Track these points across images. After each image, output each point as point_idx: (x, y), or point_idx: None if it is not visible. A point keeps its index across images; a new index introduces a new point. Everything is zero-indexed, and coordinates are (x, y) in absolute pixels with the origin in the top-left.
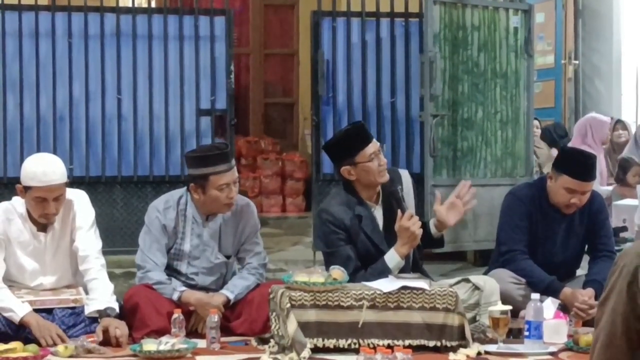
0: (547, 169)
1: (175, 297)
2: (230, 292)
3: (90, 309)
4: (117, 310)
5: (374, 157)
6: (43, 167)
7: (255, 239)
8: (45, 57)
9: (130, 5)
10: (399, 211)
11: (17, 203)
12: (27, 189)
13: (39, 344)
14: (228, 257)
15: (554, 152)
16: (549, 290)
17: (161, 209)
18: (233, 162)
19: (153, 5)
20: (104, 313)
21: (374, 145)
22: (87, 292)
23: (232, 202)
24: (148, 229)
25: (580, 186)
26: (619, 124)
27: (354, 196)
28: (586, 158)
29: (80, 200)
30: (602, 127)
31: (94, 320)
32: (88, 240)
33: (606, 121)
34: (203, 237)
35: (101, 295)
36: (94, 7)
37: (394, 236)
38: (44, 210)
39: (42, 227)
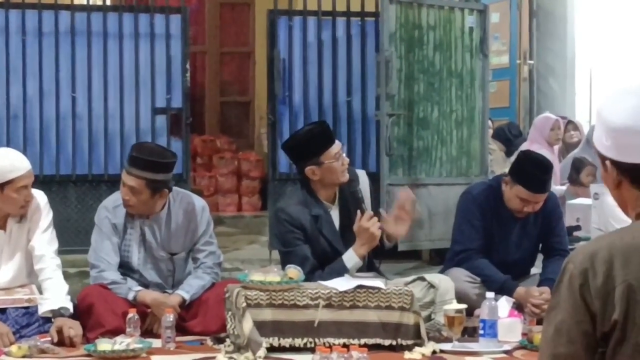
0: (497, 167)
1: (130, 296)
2: (185, 292)
3: (43, 308)
4: (71, 310)
5: (338, 156)
6: (14, 157)
7: (209, 239)
8: None
9: (85, 2)
10: (358, 212)
11: None
12: (4, 185)
13: None
14: (173, 254)
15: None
16: (503, 289)
17: (110, 207)
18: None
19: (108, 3)
20: (57, 313)
21: (337, 145)
22: (41, 292)
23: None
24: (99, 228)
25: (533, 197)
26: (570, 124)
27: (311, 196)
28: (541, 172)
29: (39, 200)
30: (544, 123)
31: (47, 320)
32: (45, 240)
33: (549, 118)
34: (145, 233)
35: (55, 295)
36: (48, 5)
37: (351, 236)
38: (26, 198)
39: (2, 225)
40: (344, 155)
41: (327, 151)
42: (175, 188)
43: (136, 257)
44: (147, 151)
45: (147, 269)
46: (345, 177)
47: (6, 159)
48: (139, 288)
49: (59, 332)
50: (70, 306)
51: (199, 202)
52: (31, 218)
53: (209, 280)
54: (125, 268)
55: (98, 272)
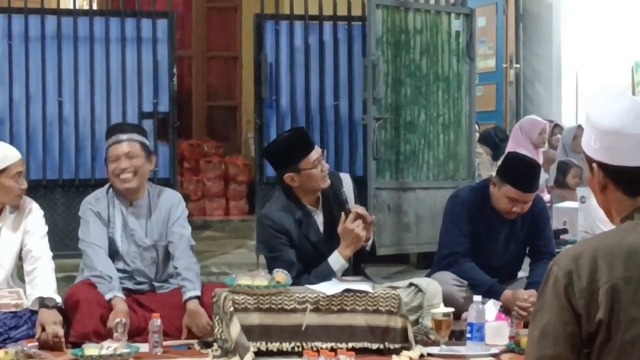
0: (484, 170)
1: (107, 297)
2: (195, 290)
3: (31, 299)
4: (58, 301)
5: (317, 163)
6: (4, 145)
7: (183, 222)
8: None
9: (71, 7)
10: (342, 213)
11: None
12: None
13: None
14: (155, 242)
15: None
16: (490, 293)
17: (92, 200)
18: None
19: (95, 7)
20: (42, 303)
21: (316, 152)
22: (28, 291)
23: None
24: (85, 220)
25: (522, 197)
26: (556, 128)
27: (294, 201)
28: (529, 170)
29: (36, 207)
30: (533, 127)
31: (35, 323)
32: (42, 246)
33: (538, 122)
34: (128, 221)
35: (44, 287)
36: (34, 9)
37: (336, 240)
38: (21, 185)
39: None
40: (324, 161)
41: (305, 158)
42: (152, 184)
43: (119, 245)
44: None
45: (131, 257)
46: (326, 182)
47: None
48: (118, 295)
49: (43, 329)
50: (58, 298)
51: (176, 193)
52: (26, 221)
53: (196, 264)
54: (116, 256)
55: (89, 260)
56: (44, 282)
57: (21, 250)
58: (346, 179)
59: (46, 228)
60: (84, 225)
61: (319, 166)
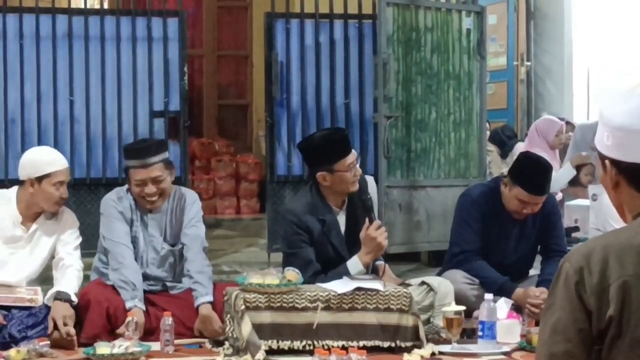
0: (495, 168)
1: (127, 305)
2: (207, 295)
3: (49, 293)
4: (73, 299)
5: (352, 167)
6: (53, 152)
7: (196, 223)
8: None
9: (82, 6)
10: (366, 220)
11: (3, 190)
12: (42, 178)
13: None
14: (173, 245)
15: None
16: (502, 291)
17: (115, 198)
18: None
19: (105, 6)
20: (58, 295)
21: (352, 156)
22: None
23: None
24: (108, 217)
25: (533, 199)
26: (568, 125)
27: (320, 200)
28: (541, 174)
29: (73, 219)
30: (548, 127)
31: None
32: (75, 256)
33: (555, 123)
34: (148, 227)
35: (65, 286)
36: (45, 9)
37: (355, 243)
38: (62, 195)
39: (26, 222)
40: (358, 166)
41: (341, 160)
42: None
43: (140, 250)
44: (141, 141)
45: (148, 263)
46: (355, 187)
47: (45, 153)
48: (139, 306)
49: (55, 326)
50: (74, 298)
51: (192, 193)
52: (63, 228)
53: (208, 265)
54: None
55: (115, 263)
56: (66, 282)
57: (51, 257)
58: (371, 182)
59: (80, 240)
60: (107, 222)
61: (353, 170)
